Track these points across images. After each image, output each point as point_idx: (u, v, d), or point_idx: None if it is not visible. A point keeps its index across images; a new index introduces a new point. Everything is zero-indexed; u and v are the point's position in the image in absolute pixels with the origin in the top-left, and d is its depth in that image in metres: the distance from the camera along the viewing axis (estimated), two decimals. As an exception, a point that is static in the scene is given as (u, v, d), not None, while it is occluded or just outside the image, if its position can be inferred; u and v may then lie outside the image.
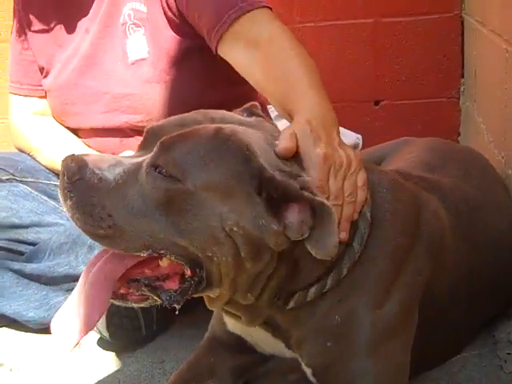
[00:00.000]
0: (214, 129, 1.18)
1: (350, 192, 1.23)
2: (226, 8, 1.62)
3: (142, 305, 1.23)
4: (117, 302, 1.22)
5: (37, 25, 1.98)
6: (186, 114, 1.25)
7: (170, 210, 1.14)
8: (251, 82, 1.60)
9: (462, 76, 2.85)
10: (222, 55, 1.65)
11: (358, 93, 2.93)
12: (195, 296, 1.23)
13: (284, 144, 1.20)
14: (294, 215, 1.14)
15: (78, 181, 1.14)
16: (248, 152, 1.15)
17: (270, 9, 1.66)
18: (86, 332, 1.20)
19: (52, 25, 1.96)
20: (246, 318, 1.29)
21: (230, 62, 1.64)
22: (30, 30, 2.00)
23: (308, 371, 1.32)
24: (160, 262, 1.21)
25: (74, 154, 1.17)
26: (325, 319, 1.27)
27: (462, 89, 2.86)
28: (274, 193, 1.14)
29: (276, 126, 1.34)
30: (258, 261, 1.17)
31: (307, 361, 1.31)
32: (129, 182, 1.16)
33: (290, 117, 1.38)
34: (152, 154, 1.17)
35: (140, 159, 1.18)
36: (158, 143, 1.17)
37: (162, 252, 1.16)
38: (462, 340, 1.58)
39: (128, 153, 1.51)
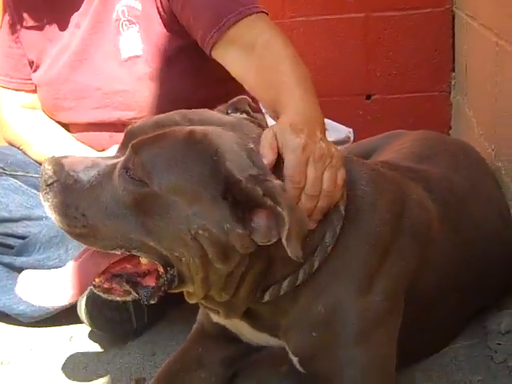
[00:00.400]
0: (186, 132, 1.19)
1: (328, 184, 1.21)
2: (225, 12, 1.63)
3: (125, 299, 1.28)
4: (102, 295, 1.28)
5: (27, 19, 1.97)
6: (164, 115, 1.27)
7: (139, 212, 1.17)
8: (245, 86, 1.61)
9: (453, 70, 2.85)
10: (216, 58, 1.67)
11: (350, 87, 2.93)
12: (173, 292, 1.26)
13: (267, 158, 1.19)
14: (261, 220, 1.14)
15: (54, 183, 1.19)
16: (216, 157, 1.15)
17: (267, 14, 1.67)
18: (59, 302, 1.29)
19: (43, 19, 1.95)
20: (223, 313, 1.30)
21: (224, 65, 1.65)
22: (20, 25, 1.99)
23: (295, 360, 1.33)
24: (141, 259, 1.24)
25: (51, 157, 1.22)
26: (308, 309, 1.27)
27: (452, 83, 2.87)
28: (239, 197, 1.14)
29: (259, 124, 1.32)
30: (227, 262, 1.18)
31: (293, 350, 1.32)
32: (103, 183, 1.20)
33: (278, 119, 1.38)
34: (125, 156, 1.19)
35: (115, 160, 1.21)
36: (130, 146, 1.19)
37: (133, 251, 1.20)
38: (450, 332, 1.58)
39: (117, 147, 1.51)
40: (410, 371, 1.49)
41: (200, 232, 1.14)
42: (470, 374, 1.49)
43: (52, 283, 1.29)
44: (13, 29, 1.99)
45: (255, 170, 1.16)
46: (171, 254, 1.18)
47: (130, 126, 1.26)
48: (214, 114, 1.31)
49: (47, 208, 1.20)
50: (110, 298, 1.28)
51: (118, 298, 1.28)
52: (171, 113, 1.27)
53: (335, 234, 1.25)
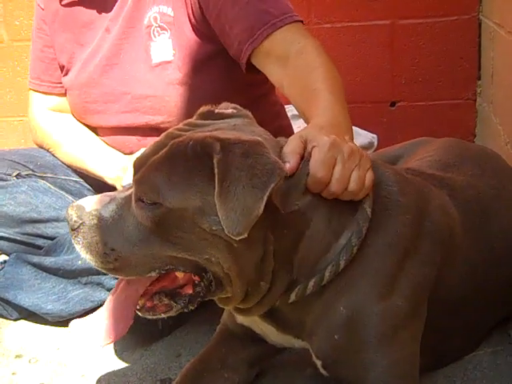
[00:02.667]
0: (175, 143, 1.23)
1: (354, 184, 1.22)
2: (259, 25, 1.66)
3: (169, 314, 1.31)
4: (148, 316, 1.32)
5: (59, 22, 2.01)
6: (159, 140, 1.29)
7: (162, 231, 1.22)
8: (284, 94, 1.64)
9: (479, 78, 2.84)
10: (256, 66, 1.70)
11: (375, 94, 2.93)
12: (212, 298, 1.30)
13: (290, 163, 1.22)
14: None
15: (80, 226, 1.25)
16: (195, 144, 1.19)
17: (301, 21, 1.69)
18: (111, 339, 1.32)
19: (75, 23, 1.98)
20: (260, 309, 1.31)
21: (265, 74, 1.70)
22: (51, 27, 2.02)
23: (318, 363, 1.34)
24: (177, 273, 1.28)
25: (72, 203, 1.29)
26: (330, 309, 1.28)
27: (478, 90, 2.85)
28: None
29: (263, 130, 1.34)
30: (252, 245, 1.20)
31: (316, 353, 1.33)
32: (123, 215, 1.26)
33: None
34: (134, 190, 1.25)
35: (129, 192, 1.27)
36: (133, 181, 1.25)
37: (167, 268, 1.25)
38: (474, 339, 1.57)
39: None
40: (433, 377, 1.49)
41: (214, 228, 1.18)
42: (494, 381, 1.49)
43: (99, 323, 1.33)
44: (43, 30, 2.03)
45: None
46: (200, 258, 1.22)
47: (135, 159, 1.30)
48: (209, 123, 1.34)
49: (80, 250, 1.26)
50: (155, 317, 1.31)
51: (163, 315, 1.31)
52: (162, 135, 1.29)
53: (361, 236, 1.26)
